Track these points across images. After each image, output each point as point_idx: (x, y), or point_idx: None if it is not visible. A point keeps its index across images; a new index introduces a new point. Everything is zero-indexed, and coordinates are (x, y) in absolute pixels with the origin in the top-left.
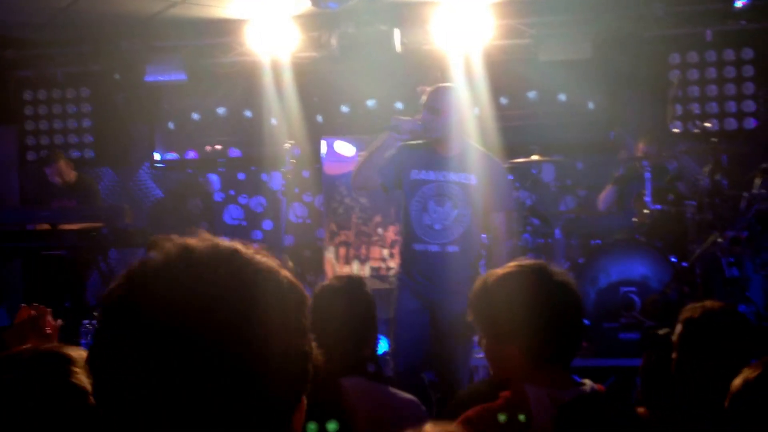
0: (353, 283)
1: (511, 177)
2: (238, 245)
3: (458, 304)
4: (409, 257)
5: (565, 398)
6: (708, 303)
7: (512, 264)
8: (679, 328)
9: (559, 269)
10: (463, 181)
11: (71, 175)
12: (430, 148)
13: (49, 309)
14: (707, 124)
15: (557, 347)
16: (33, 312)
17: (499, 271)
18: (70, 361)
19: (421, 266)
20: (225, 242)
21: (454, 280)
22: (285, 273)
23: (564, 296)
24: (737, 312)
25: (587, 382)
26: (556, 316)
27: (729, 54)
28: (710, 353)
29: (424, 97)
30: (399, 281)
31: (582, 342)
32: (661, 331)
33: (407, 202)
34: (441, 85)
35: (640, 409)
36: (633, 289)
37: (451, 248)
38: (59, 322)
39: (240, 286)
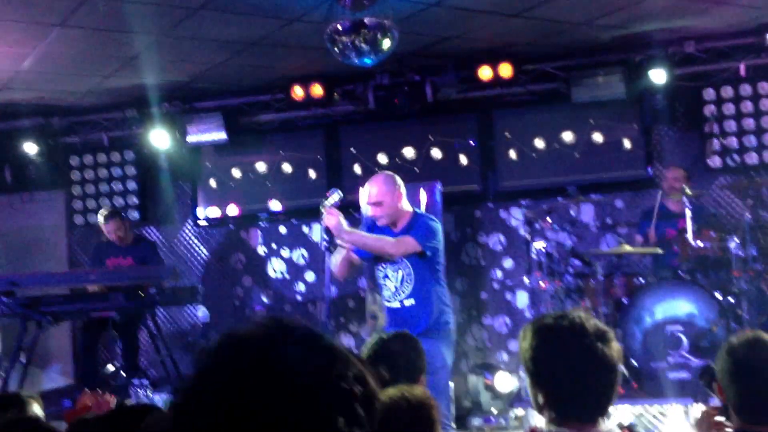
0: None
1: (427, 225)
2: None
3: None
4: (386, 313)
5: None
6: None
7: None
8: (726, 360)
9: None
10: None
11: (129, 236)
12: (385, 225)
13: (111, 397)
14: (746, 158)
15: None
16: (93, 401)
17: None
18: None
19: (391, 320)
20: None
21: (415, 327)
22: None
23: None
24: None
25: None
26: None
27: (764, 87)
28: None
29: (362, 193)
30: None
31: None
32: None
33: (374, 271)
34: (374, 176)
35: None
36: (679, 327)
37: (408, 302)
38: (113, 399)
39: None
